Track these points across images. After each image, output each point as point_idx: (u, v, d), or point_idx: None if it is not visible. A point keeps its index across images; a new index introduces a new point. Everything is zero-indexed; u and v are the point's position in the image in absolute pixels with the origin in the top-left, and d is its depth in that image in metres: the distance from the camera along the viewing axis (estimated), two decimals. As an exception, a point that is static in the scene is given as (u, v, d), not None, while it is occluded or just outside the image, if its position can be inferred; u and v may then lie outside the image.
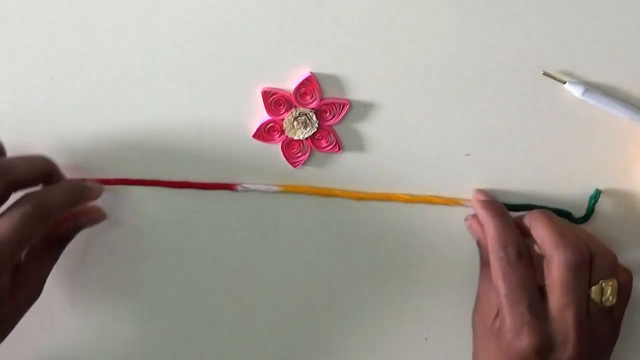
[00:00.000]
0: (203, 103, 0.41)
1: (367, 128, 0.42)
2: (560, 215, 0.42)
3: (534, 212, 0.40)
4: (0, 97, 0.41)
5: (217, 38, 0.40)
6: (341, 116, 0.41)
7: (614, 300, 0.38)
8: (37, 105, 0.41)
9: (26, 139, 0.41)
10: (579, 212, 0.42)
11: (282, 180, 0.43)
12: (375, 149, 0.42)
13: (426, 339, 0.45)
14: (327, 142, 0.42)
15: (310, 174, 0.43)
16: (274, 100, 0.41)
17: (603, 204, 0.42)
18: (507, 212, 0.41)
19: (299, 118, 0.41)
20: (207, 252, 0.44)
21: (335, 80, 0.41)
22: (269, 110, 0.41)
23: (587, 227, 0.42)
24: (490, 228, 0.39)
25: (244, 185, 0.42)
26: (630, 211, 0.42)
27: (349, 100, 0.41)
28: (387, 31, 0.40)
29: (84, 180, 0.41)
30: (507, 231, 0.39)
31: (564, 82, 0.40)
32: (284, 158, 0.42)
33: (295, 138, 0.41)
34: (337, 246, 0.44)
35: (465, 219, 0.42)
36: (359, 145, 0.42)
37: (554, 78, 0.40)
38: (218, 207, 0.43)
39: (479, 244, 0.42)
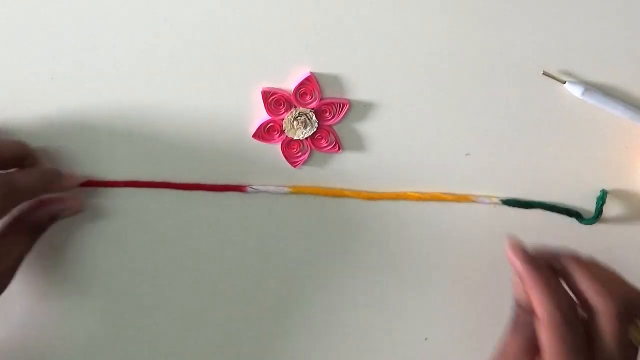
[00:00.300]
0: (203, 103, 0.41)
1: (367, 128, 0.42)
2: (569, 215, 0.42)
3: (574, 260, 0.38)
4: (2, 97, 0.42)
5: (217, 38, 0.40)
6: (341, 116, 0.41)
7: None
8: (38, 107, 0.41)
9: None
10: (585, 213, 0.42)
11: (282, 179, 0.43)
12: (375, 149, 0.42)
13: (426, 339, 0.45)
14: (327, 142, 0.42)
15: (311, 174, 0.43)
16: (274, 100, 0.41)
17: (609, 205, 0.42)
18: (547, 263, 0.38)
19: (299, 118, 0.41)
20: (217, 253, 0.44)
21: (335, 80, 0.41)
22: (269, 110, 0.41)
23: (595, 227, 0.42)
24: (541, 287, 0.36)
25: (254, 187, 0.43)
26: (634, 212, 0.42)
27: (349, 100, 0.41)
28: (387, 31, 0.40)
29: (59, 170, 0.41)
30: (556, 285, 0.36)
31: (564, 82, 0.40)
32: (284, 158, 0.42)
33: (295, 138, 0.41)
34: (346, 246, 0.44)
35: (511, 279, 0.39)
36: (359, 145, 0.42)
37: (554, 78, 0.40)
38: (227, 209, 0.43)
39: (519, 303, 0.38)
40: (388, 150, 0.42)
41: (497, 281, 0.43)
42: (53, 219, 0.40)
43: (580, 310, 0.36)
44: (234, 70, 0.41)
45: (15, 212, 0.39)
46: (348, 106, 0.41)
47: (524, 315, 0.38)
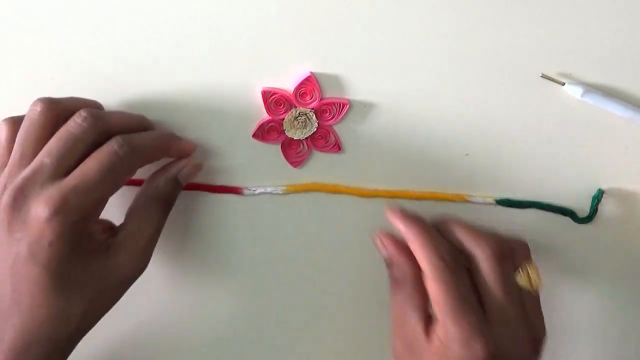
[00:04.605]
0: (202, 103, 0.41)
1: (367, 128, 0.42)
2: (563, 214, 0.42)
3: (443, 218, 0.40)
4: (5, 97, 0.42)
5: (216, 38, 0.40)
6: (341, 116, 0.41)
7: (542, 284, 0.38)
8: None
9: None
10: (581, 212, 0.42)
11: (282, 179, 0.43)
12: (375, 149, 0.42)
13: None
14: (326, 142, 0.42)
15: (311, 174, 0.43)
16: (273, 100, 0.40)
17: (605, 204, 0.42)
18: (426, 221, 0.39)
19: (298, 118, 0.41)
20: (213, 253, 0.44)
21: (335, 80, 0.41)
22: (268, 110, 0.41)
23: (590, 226, 0.43)
24: (419, 236, 0.38)
25: (250, 189, 0.43)
26: (631, 211, 0.42)
27: (349, 100, 0.41)
28: (387, 32, 0.40)
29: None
30: (437, 238, 0.38)
31: (563, 84, 0.40)
32: (283, 158, 0.42)
33: (295, 138, 0.41)
34: (343, 244, 0.44)
35: (374, 238, 0.40)
36: (359, 145, 0.42)
37: (553, 80, 0.40)
38: (224, 209, 0.43)
39: (391, 262, 0.40)
40: (387, 150, 0.42)
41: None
42: (177, 183, 0.40)
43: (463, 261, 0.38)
44: (234, 70, 0.41)
45: (142, 188, 0.39)
46: (348, 106, 0.41)
47: (399, 273, 0.39)
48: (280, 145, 0.42)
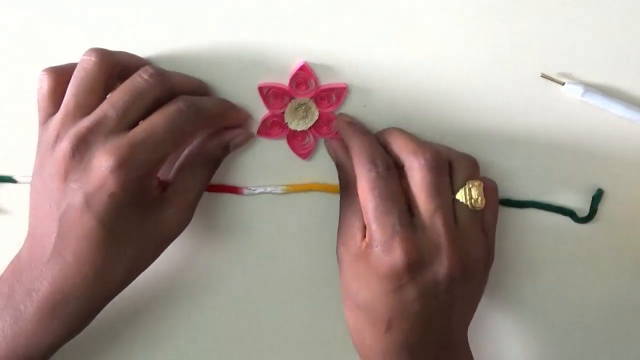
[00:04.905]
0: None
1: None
2: (563, 214, 0.42)
3: (388, 129, 0.40)
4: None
5: (208, 40, 0.40)
6: (340, 102, 0.41)
7: (483, 202, 0.38)
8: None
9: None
10: (580, 212, 0.42)
11: (288, 175, 0.43)
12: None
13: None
14: (330, 129, 0.41)
15: (309, 172, 0.43)
16: (271, 94, 0.40)
17: (605, 204, 0.42)
18: (370, 132, 0.40)
19: (298, 109, 0.41)
20: (213, 252, 0.44)
21: (330, 68, 0.40)
22: (268, 105, 0.41)
23: (590, 226, 0.43)
24: (357, 144, 0.38)
25: (249, 189, 0.43)
26: (630, 211, 0.43)
27: (346, 84, 0.41)
28: (387, 33, 0.40)
29: None
30: (374, 146, 0.38)
31: (563, 84, 0.40)
32: (291, 151, 0.42)
33: (299, 129, 0.41)
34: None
35: (325, 141, 0.42)
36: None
37: (553, 80, 0.40)
38: (224, 209, 0.43)
39: (340, 166, 0.41)
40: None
41: (492, 279, 0.43)
42: (226, 149, 0.40)
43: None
44: (230, 69, 0.40)
45: (192, 146, 0.40)
46: (346, 90, 0.40)
47: (345, 177, 0.40)
48: (285, 139, 0.42)
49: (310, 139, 0.42)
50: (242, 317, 0.45)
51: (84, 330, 0.37)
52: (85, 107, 0.35)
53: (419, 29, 0.40)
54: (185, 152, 0.40)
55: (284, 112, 0.41)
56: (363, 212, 0.37)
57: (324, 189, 0.43)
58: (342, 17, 0.40)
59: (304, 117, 0.41)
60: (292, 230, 0.44)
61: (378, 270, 0.36)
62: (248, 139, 0.41)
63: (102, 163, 0.33)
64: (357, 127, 0.40)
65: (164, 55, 0.40)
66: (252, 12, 0.40)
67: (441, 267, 0.36)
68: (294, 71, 0.40)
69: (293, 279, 0.44)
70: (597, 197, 0.42)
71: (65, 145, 0.34)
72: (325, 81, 0.41)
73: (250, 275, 0.44)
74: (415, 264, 0.36)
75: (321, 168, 0.42)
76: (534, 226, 0.43)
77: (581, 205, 0.42)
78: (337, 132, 0.41)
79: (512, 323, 0.44)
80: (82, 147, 0.34)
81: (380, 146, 0.39)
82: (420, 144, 0.38)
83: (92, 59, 0.36)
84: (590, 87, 0.40)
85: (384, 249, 0.36)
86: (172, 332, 0.45)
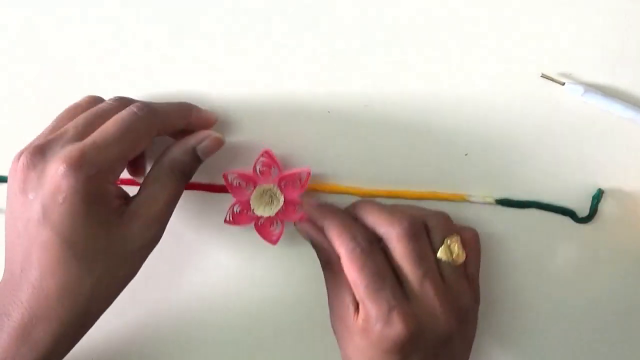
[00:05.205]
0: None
1: (367, 128, 0.42)
2: (563, 214, 0.42)
3: (357, 203, 0.40)
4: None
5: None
6: (305, 187, 0.41)
7: (464, 255, 0.38)
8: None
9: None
10: (580, 212, 0.42)
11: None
12: (375, 149, 0.42)
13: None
14: (296, 213, 0.41)
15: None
16: (236, 181, 0.41)
17: (605, 204, 0.42)
18: (341, 209, 0.40)
19: (264, 195, 0.41)
20: (212, 252, 0.44)
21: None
22: (233, 192, 0.41)
23: (590, 226, 0.43)
24: (334, 224, 0.38)
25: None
26: (630, 211, 0.42)
27: (309, 168, 0.41)
28: (388, 33, 0.40)
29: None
30: (350, 223, 0.38)
31: (563, 84, 0.40)
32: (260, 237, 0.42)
33: (265, 215, 0.41)
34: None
35: (295, 224, 0.41)
36: (357, 143, 0.42)
37: (553, 80, 0.40)
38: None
39: (316, 245, 0.40)
40: (387, 150, 0.42)
41: (491, 278, 0.43)
42: (195, 157, 0.38)
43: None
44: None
45: (160, 156, 0.38)
46: (309, 175, 0.41)
47: (325, 257, 0.40)
48: (254, 226, 0.42)
49: (278, 225, 0.42)
50: (241, 316, 0.45)
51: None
52: (56, 130, 0.36)
53: (419, 29, 0.40)
54: (153, 163, 0.39)
55: (249, 200, 0.41)
56: (353, 289, 0.37)
57: (322, 189, 0.43)
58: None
59: (270, 203, 0.41)
60: (291, 229, 0.43)
61: (381, 345, 0.36)
62: (217, 144, 0.39)
63: (55, 168, 0.33)
64: (328, 207, 0.40)
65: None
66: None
67: (439, 327, 0.37)
68: (257, 158, 0.40)
69: (292, 278, 0.44)
70: (597, 197, 0.42)
71: (23, 157, 0.34)
72: (289, 162, 0.41)
73: (249, 275, 0.44)
74: (417, 334, 0.36)
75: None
76: (534, 226, 0.43)
77: (581, 205, 0.42)
78: (304, 216, 0.41)
79: (511, 323, 0.44)
80: (37, 157, 0.34)
81: (356, 222, 0.39)
82: (393, 213, 0.38)
83: (85, 98, 0.38)
84: (590, 87, 0.40)
85: (384, 325, 0.36)
86: (167, 331, 0.45)
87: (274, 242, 0.42)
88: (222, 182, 0.42)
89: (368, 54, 0.40)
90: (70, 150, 0.34)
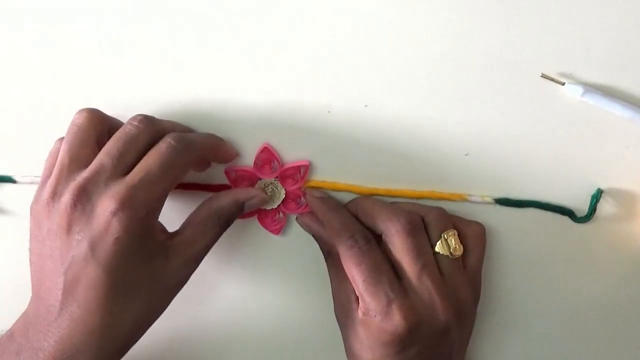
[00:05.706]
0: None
1: (367, 128, 0.42)
2: (562, 214, 0.42)
3: (356, 200, 0.41)
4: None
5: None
6: (304, 179, 0.42)
7: (461, 248, 0.39)
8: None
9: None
10: (579, 212, 0.42)
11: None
12: (375, 149, 0.42)
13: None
14: (298, 205, 0.42)
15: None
16: (238, 177, 0.41)
17: (604, 204, 0.42)
18: (342, 205, 0.41)
19: (266, 189, 0.42)
20: (212, 252, 0.43)
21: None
22: (236, 187, 0.42)
23: (589, 226, 0.43)
24: (334, 221, 0.40)
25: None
26: (629, 211, 0.43)
27: (309, 161, 0.41)
28: (387, 32, 0.40)
29: None
30: (349, 221, 0.40)
31: (563, 84, 0.40)
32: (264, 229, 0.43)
33: (268, 208, 0.42)
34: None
35: (297, 218, 0.43)
36: (357, 142, 0.42)
37: (553, 80, 0.40)
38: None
39: (318, 238, 0.42)
40: (388, 150, 0.42)
41: (491, 278, 0.43)
42: (240, 209, 0.40)
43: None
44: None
45: (208, 201, 0.39)
46: (309, 167, 0.42)
47: (326, 248, 0.42)
48: (257, 218, 0.43)
49: (280, 215, 0.43)
50: (242, 316, 0.45)
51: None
52: (79, 160, 0.36)
53: (418, 29, 0.40)
54: (201, 204, 0.40)
55: None
56: (353, 284, 0.38)
57: (322, 187, 0.43)
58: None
59: (272, 196, 0.42)
60: (291, 229, 0.44)
61: (380, 337, 0.37)
62: (264, 201, 0.41)
63: (105, 208, 0.33)
64: (329, 202, 0.41)
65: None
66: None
67: (437, 320, 0.37)
68: (257, 153, 0.41)
69: (292, 278, 0.45)
70: (596, 196, 0.42)
71: (66, 198, 0.34)
72: (290, 159, 0.42)
73: (249, 275, 0.44)
74: (415, 326, 0.37)
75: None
76: (534, 225, 0.43)
77: (580, 205, 0.42)
78: (306, 206, 0.42)
79: (511, 323, 0.44)
80: (83, 198, 0.34)
81: (355, 219, 0.40)
82: (392, 209, 0.39)
83: (84, 114, 0.37)
84: (590, 87, 0.40)
85: (383, 318, 0.37)
86: (167, 331, 0.45)
87: (277, 232, 0.43)
88: (222, 181, 0.42)
89: (368, 54, 0.40)
90: (118, 190, 0.34)
